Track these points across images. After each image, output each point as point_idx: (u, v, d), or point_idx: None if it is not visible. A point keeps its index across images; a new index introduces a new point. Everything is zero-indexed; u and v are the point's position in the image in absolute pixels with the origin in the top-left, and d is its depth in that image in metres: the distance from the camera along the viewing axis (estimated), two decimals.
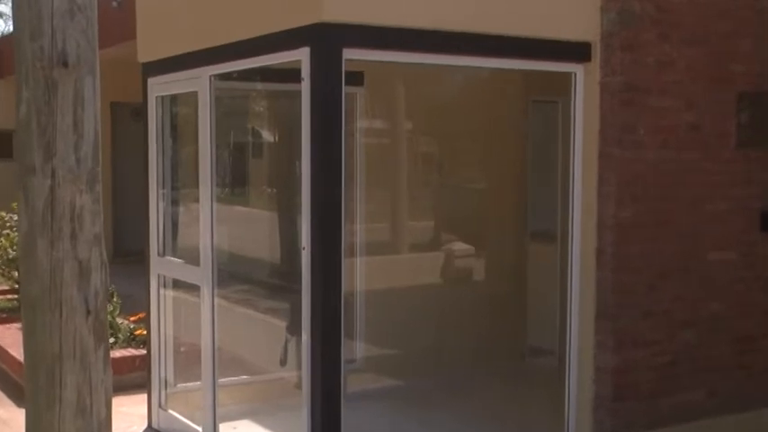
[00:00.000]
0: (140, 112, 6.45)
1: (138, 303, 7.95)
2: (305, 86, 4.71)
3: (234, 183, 8.33)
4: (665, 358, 5.68)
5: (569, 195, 5.62)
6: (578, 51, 5.44)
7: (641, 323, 5.57)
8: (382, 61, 5.12)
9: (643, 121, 5.49)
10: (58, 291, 2.53)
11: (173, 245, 6.41)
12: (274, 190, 8.48)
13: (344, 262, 4.80)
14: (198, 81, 5.61)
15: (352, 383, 6.40)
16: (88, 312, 2.56)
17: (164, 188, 6.32)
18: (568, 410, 5.62)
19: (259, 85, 7.21)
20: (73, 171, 2.49)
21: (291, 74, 4.93)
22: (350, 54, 4.71)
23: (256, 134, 9.00)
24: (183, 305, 6.36)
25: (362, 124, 7.26)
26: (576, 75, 5.50)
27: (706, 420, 5.78)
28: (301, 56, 4.72)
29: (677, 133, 5.62)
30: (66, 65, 2.41)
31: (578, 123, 5.55)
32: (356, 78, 6.43)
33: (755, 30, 5.89)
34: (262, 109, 8.70)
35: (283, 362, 6.79)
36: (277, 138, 8.50)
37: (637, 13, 5.41)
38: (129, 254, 11.27)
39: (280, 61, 5.06)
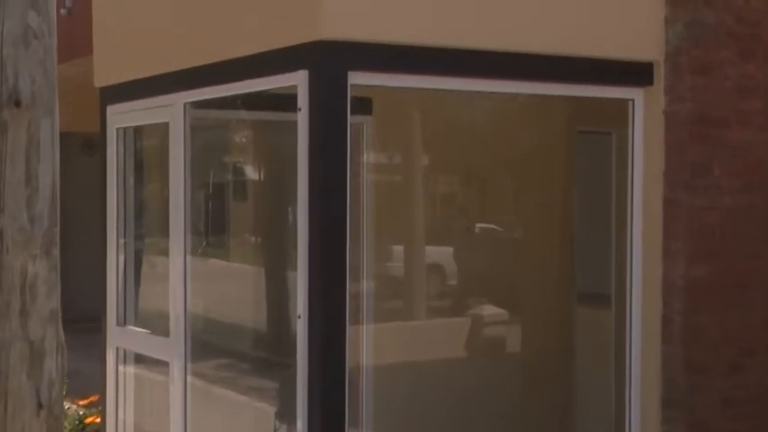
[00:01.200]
0: (93, 145, 6.50)
1: (89, 382, 7.94)
2: (302, 118, 4.75)
3: (211, 231, 8.35)
4: None
5: (627, 250, 5.63)
6: (637, 73, 5.48)
7: (720, 413, 5.54)
8: (396, 87, 5.17)
9: (719, 160, 5.51)
10: (4, 379, 2.54)
11: (135, 310, 6.42)
12: (260, 240, 8.49)
13: (349, 332, 4.81)
14: (169, 110, 5.67)
15: None
16: (40, 406, 2.56)
17: (125, 238, 6.37)
18: None
19: (244, 115, 7.25)
20: (25, 232, 2.50)
21: (284, 101, 4.97)
22: (356, 78, 4.75)
23: (239, 172, 9.04)
24: (147, 386, 6.34)
25: (370, 160, 7.27)
26: (634, 102, 5.54)
27: None
28: (297, 81, 4.75)
29: (763, 174, 5.64)
30: (18, 104, 2.44)
31: (637, 162, 5.58)
32: (363, 106, 6.43)
33: None
34: (246, 142, 8.74)
35: None
36: (264, 177, 8.53)
37: (711, 24, 5.44)
38: (77, 320, 11.25)
39: (270, 87, 5.11)
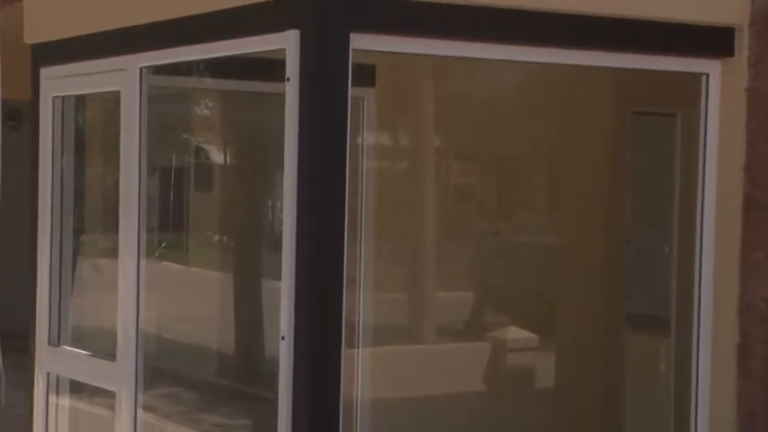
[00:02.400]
0: (19, 116, 6.46)
1: (9, 416, 7.90)
2: (291, 90, 4.72)
3: (166, 227, 8.34)
4: None
5: (695, 262, 5.64)
6: (713, 41, 5.51)
7: None
8: (407, 53, 5.20)
9: None
10: None
11: (72, 327, 6.39)
12: (229, 239, 8.49)
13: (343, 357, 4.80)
14: (121, 75, 5.66)
15: None
16: None
17: (60, 234, 6.34)
18: None
19: (214, 84, 7.25)
20: None
21: (267, 68, 4.97)
22: (359, 42, 4.74)
23: (204, 155, 9.04)
24: (85, 422, 6.32)
25: (370, 142, 7.30)
26: (708, 77, 5.55)
27: None
28: (286, 43, 4.72)
29: None
30: None
31: (711, 152, 5.59)
32: (364, 76, 6.49)
33: None
34: (215, 118, 8.74)
35: None
36: (236, 162, 8.52)
37: None
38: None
39: (251, 51, 5.10)
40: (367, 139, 7.27)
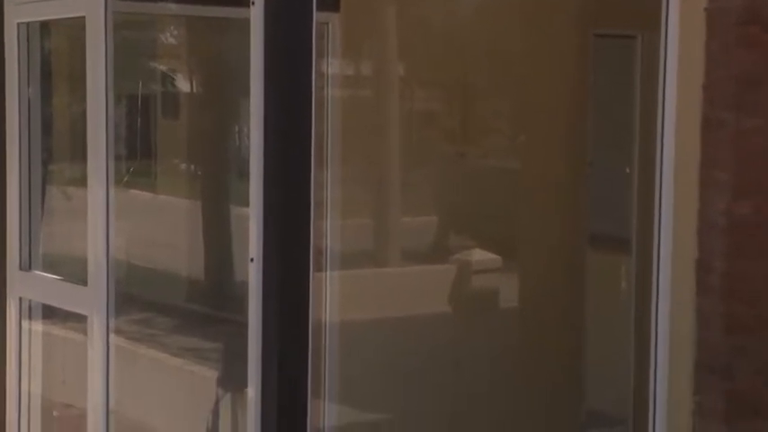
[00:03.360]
0: None
1: None
2: (256, 13, 4.70)
3: (137, 155, 8.30)
4: None
5: (654, 182, 5.69)
6: None
7: (766, 379, 5.61)
8: None
9: None
10: None
11: (43, 253, 6.38)
12: (197, 166, 8.47)
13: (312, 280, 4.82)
14: (86, 1, 5.58)
15: None
16: None
17: (29, 163, 6.33)
18: None
19: (179, 9, 7.20)
20: None
21: None
22: None
23: (171, 83, 8.99)
24: (58, 345, 6.33)
25: (335, 70, 7.28)
26: None
27: None
28: None
29: None
30: None
31: (670, 73, 5.60)
32: (327, 1, 6.50)
33: None
34: (182, 45, 8.68)
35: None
36: (203, 88, 8.48)
37: None
38: None
39: None
40: (332, 65, 7.27)
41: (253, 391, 4.79)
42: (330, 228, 7.11)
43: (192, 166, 8.63)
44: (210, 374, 7.01)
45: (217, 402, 6.73)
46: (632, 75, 6.32)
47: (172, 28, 8.27)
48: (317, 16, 4.76)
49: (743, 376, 5.56)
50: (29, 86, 6.30)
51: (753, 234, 5.55)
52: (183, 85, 9.06)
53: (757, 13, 5.45)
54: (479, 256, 7.80)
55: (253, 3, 4.70)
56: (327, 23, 6.91)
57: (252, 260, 4.77)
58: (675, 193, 5.64)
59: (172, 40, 8.75)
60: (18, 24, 6.21)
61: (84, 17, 5.62)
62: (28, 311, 6.34)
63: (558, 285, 7.54)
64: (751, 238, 5.55)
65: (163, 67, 8.87)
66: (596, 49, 7.23)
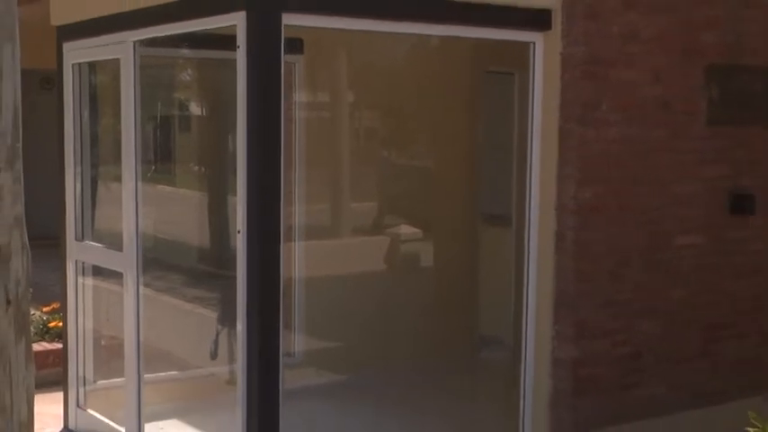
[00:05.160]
0: (51, 81, 6.36)
1: (48, 292, 7.89)
2: (240, 55, 4.68)
3: (159, 160, 8.26)
4: (627, 350, 5.79)
5: (526, 175, 5.68)
6: (537, 19, 5.49)
7: (602, 313, 5.67)
8: (323, 27, 5.14)
9: (607, 97, 5.56)
10: None
11: (92, 228, 6.36)
12: (203, 167, 8.43)
13: (283, 247, 4.80)
14: (120, 47, 5.55)
15: (290, 379, 6.38)
16: (8, 302, 2.53)
17: (81, 165, 6.27)
18: (524, 406, 5.71)
19: (189, 53, 7.15)
20: None
21: (225, 40, 4.90)
22: (289, 19, 4.69)
23: (184, 107, 8.94)
24: (103, 294, 6.31)
25: (301, 97, 7.26)
26: (534, 45, 5.55)
27: (670, 416, 5.91)
28: (236, 20, 4.68)
29: (644, 109, 5.70)
30: None
31: (536, 98, 5.59)
32: (295, 46, 6.42)
33: None
34: (191, 79, 8.63)
35: (214, 356, 6.79)
36: (207, 111, 8.44)
37: None
38: (34, 238, 11.14)
39: (212, 26, 5.04)
40: (299, 94, 7.24)
41: (241, 326, 4.80)
42: (298, 210, 7.10)
43: (201, 168, 8.58)
44: (212, 315, 6.99)
45: (217, 334, 6.71)
46: (512, 99, 6.30)
47: (185, 67, 8.22)
48: (286, 57, 4.76)
49: (586, 311, 5.61)
50: (81, 110, 6.26)
51: (592, 213, 5.59)
52: (194, 108, 9.00)
53: (594, 56, 5.49)
54: (405, 230, 7.78)
55: (238, 46, 4.69)
56: (295, 63, 6.85)
57: (239, 232, 4.77)
58: (540, 184, 5.63)
59: (185, 76, 8.69)
60: (72, 65, 6.18)
61: (119, 59, 5.61)
62: (82, 270, 6.31)
63: (460, 249, 7.53)
64: (591, 215, 5.58)
65: (179, 97, 8.81)
66: (487, 82, 7.23)
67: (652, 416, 5.86)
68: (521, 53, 5.63)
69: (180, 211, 8.30)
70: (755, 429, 2.53)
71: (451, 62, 7.33)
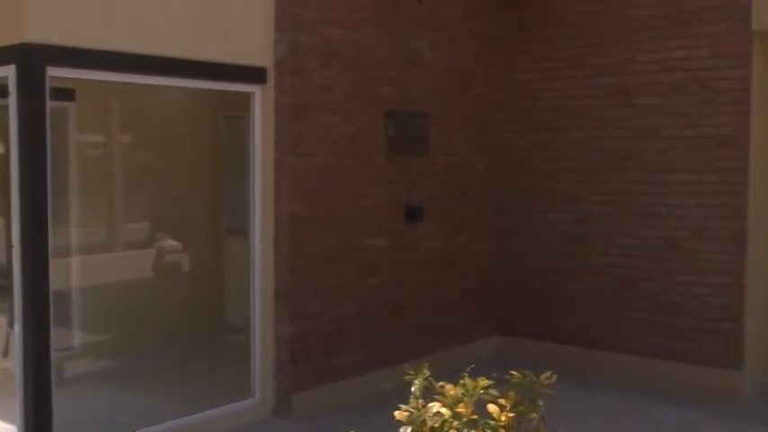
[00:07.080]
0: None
1: None
2: (12, 100, 4.63)
3: None
4: (332, 326, 6.03)
5: (250, 196, 5.82)
6: (256, 75, 5.68)
7: (312, 298, 5.88)
8: (85, 79, 5.06)
9: (310, 134, 5.80)
10: None
11: None
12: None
13: (61, 260, 4.82)
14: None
15: (70, 368, 6.28)
16: None
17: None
18: (254, 375, 5.86)
19: None
20: None
21: (2, 89, 4.83)
22: (54, 72, 4.67)
23: None
24: None
25: (77, 136, 7.05)
26: (254, 94, 5.73)
27: (365, 375, 6.23)
28: (8, 72, 4.65)
29: (338, 144, 5.99)
30: None
31: (257, 135, 5.77)
32: (68, 94, 6.22)
33: (399, 59, 6.46)
34: None
35: (5, 353, 6.54)
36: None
37: (303, 44, 5.73)
38: None
39: None
40: (75, 134, 7.01)
41: (17, 327, 4.68)
42: (75, 231, 6.84)
43: None
44: (3, 320, 6.65)
45: (8, 334, 6.35)
46: (246, 136, 6.37)
47: None
48: (59, 104, 4.66)
49: (299, 298, 5.80)
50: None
51: (302, 222, 5.78)
52: None
53: (299, 104, 5.72)
54: (169, 243, 7.64)
55: (10, 93, 4.59)
56: (68, 108, 6.54)
57: (13, 246, 4.66)
58: (261, 202, 5.77)
59: None
60: None
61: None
62: None
63: (210, 257, 7.54)
64: (301, 225, 5.78)
65: None
66: (227, 124, 7.25)
67: (353, 375, 6.15)
68: (247, 100, 5.77)
69: None
70: (410, 376, 2.96)
71: (199, 108, 7.32)
